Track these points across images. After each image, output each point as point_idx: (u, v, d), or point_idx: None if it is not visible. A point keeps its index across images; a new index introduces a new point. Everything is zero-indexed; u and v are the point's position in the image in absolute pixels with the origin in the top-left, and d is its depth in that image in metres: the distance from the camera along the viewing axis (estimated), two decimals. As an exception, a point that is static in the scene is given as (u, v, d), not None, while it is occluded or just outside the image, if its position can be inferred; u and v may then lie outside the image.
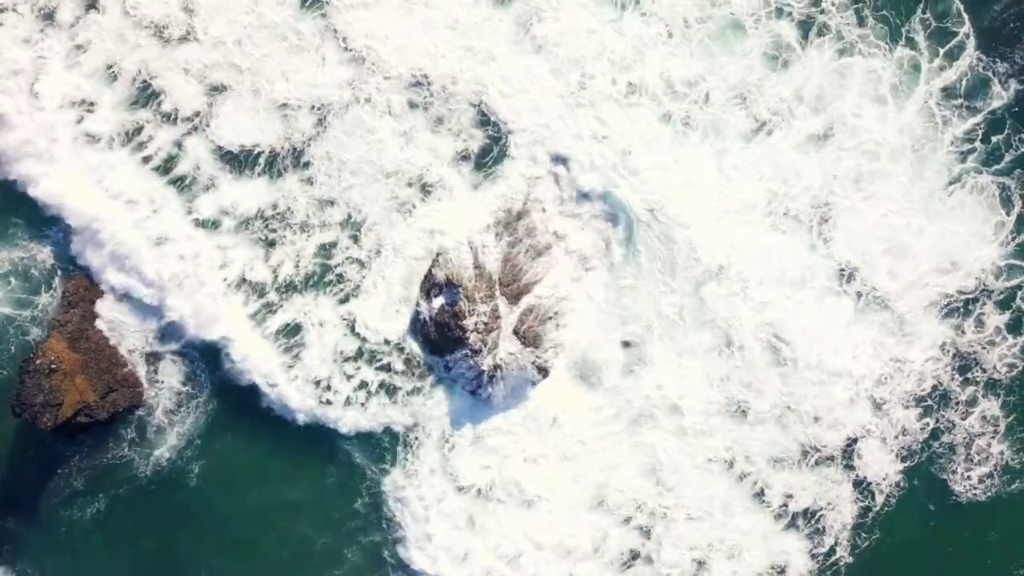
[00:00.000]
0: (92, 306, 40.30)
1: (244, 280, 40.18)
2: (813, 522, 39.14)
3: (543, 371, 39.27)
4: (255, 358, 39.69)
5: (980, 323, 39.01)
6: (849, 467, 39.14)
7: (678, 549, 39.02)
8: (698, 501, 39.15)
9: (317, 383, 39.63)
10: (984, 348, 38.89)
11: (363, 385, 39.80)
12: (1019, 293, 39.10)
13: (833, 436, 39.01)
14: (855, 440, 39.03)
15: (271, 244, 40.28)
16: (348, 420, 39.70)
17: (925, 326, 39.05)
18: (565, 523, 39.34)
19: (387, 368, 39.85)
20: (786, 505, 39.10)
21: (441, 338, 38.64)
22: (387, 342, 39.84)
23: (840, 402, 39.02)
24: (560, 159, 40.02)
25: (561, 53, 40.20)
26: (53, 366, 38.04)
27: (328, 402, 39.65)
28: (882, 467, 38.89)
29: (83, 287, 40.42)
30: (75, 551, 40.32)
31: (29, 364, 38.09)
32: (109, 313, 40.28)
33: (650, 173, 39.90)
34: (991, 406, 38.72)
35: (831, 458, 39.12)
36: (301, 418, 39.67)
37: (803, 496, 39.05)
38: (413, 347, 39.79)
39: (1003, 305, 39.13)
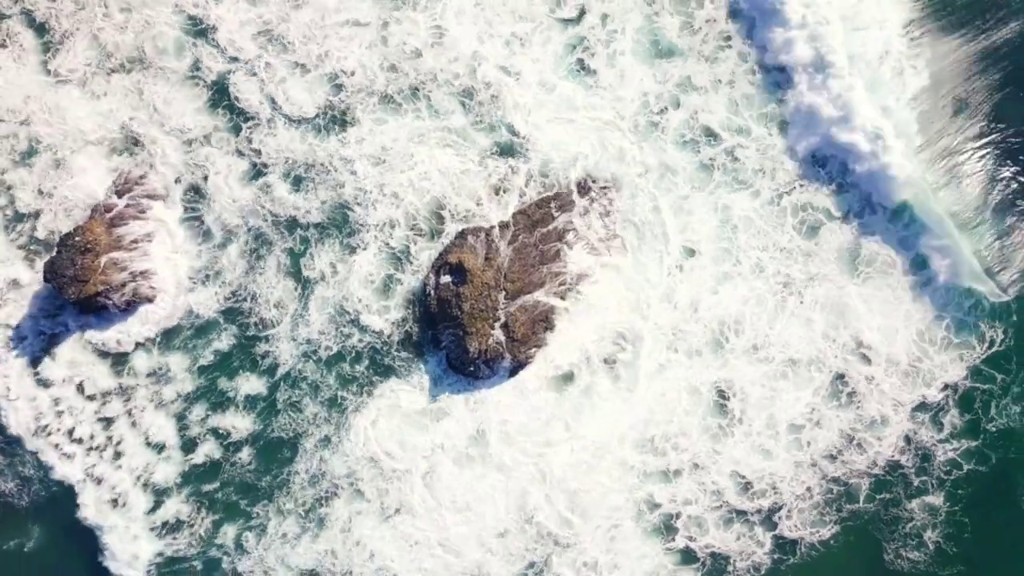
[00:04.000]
0: (145, 201, 42.38)
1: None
2: (721, 564, 39.12)
3: (522, 365, 40.68)
4: None
5: (939, 423, 39.22)
6: (772, 523, 39.17)
7: (574, 569, 39.28)
8: (600, 533, 39.36)
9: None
10: (936, 445, 39.09)
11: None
12: (978, 395, 39.19)
13: (764, 501, 39.21)
14: (784, 503, 39.12)
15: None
16: None
17: (893, 422, 39.36)
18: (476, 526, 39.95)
19: (378, 334, 41.78)
20: (689, 546, 39.13)
21: (440, 311, 40.49)
22: (375, 329, 41.77)
23: (782, 470, 39.34)
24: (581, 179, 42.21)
25: (601, 86, 42.66)
26: (88, 246, 40.24)
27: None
28: (809, 527, 38.92)
29: (134, 180, 42.62)
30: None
31: (68, 239, 40.39)
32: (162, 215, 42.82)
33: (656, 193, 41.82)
34: (935, 499, 38.63)
35: (759, 510, 39.31)
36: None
37: (718, 544, 39.01)
38: (409, 316, 41.81)
39: (963, 405, 39.21)
